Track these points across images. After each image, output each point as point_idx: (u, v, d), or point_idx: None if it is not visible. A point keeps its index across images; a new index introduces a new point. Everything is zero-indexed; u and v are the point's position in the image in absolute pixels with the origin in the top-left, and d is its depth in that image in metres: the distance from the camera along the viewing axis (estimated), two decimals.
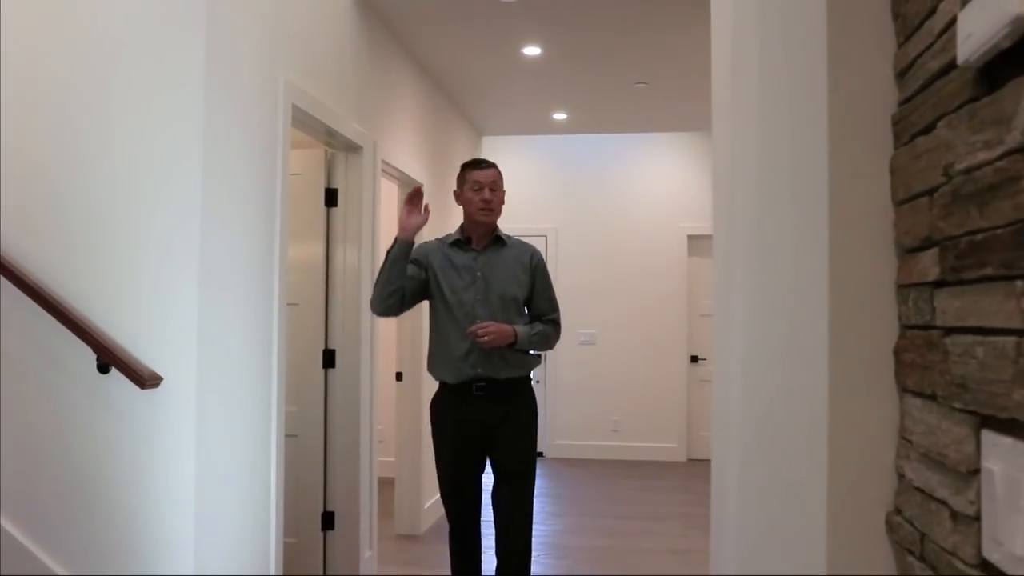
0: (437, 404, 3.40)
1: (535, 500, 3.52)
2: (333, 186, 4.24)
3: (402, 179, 5.15)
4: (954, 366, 0.92)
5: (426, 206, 3.25)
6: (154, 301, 2.76)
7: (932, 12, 0.99)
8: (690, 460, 7.76)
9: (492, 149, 7.80)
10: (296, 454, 4.00)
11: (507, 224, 3.51)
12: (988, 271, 0.82)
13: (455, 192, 3.43)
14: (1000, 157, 0.79)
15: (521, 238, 3.52)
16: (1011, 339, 0.78)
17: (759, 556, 1.79)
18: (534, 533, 5.39)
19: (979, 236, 0.84)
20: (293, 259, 3.80)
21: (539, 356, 3.47)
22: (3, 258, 2.79)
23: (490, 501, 3.40)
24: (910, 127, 1.07)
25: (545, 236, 7.94)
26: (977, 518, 0.86)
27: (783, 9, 1.50)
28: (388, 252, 3.24)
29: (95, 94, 2.82)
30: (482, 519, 3.46)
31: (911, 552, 1.05)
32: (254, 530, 3.17)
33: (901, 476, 1.11)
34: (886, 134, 1.16)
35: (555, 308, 3.45)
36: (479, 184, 3.30)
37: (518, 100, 6.43)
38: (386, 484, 5.28)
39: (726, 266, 2.21)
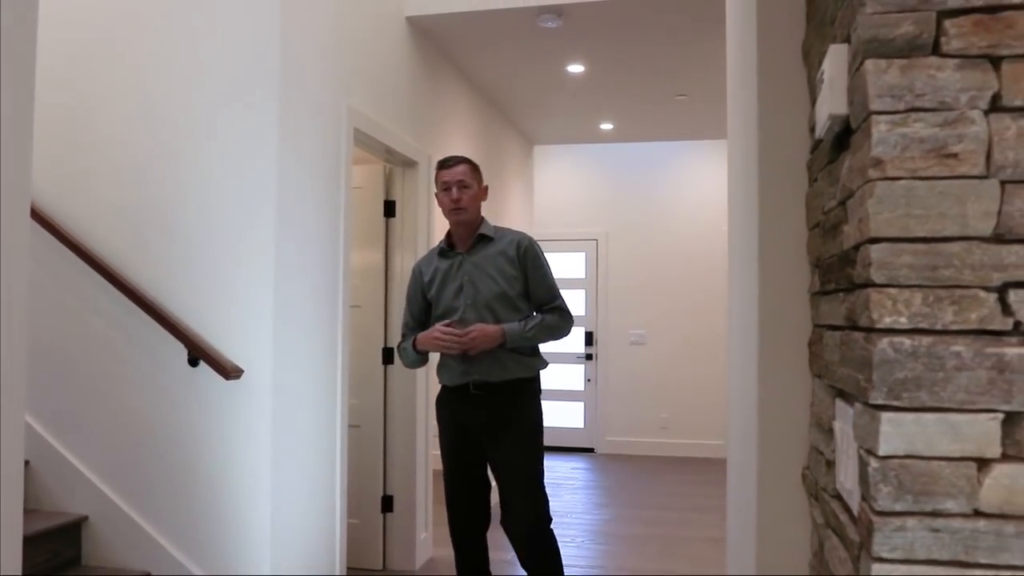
0: (438, 404, 3.32)
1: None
2: (391, 198, 4.62)
3: None
4: (825, 353, 1.25)
5: (450, 328, 3.06)
6: (236, 303, 3.15)
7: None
8: None
9: (544, 158, 8.17)
10: (358, 442, 4.38)
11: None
12: (832, 285, 1.16)
13: (436, 194, 3.27)
14: (836, 207, 1.13)
15: (527, 235, 3.30)
16: (839, 333, 1.11)
17: (741, 528, 2.11)
18: (580, 521, 5.76)
19: (830, 260, 1.18)
20: (355, 265, 4.20)
21: (541, 358, 3.23)
22: (114, 270, 3.22)
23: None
24: (812, 173, 1.40)
25: (596, 240, 8.26)
26: (833, 462, 1.20)
27: (743, 58, 1.83)
28: (405, 346, 3.23)
29: (192, 127, 3.22)
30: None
31: (812, 495, 1.38)
32: (322, 510, 3.52)
33: (810, 440, 1.44)
34: (804, 174, 1.49)
35: (555, 295, 3.18)
36: (446, 184, 3.15)
37: (566, 112, 6.76)
38: (440, 476, 5.63)
39: (728, 274, 2.54)
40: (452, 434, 3.23)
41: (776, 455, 1.49)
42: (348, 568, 3.75)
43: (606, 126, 7.34)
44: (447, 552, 4.93)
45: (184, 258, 3.22)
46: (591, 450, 8.18)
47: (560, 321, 3.16)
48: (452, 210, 3.14)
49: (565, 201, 8.32)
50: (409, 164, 4.59)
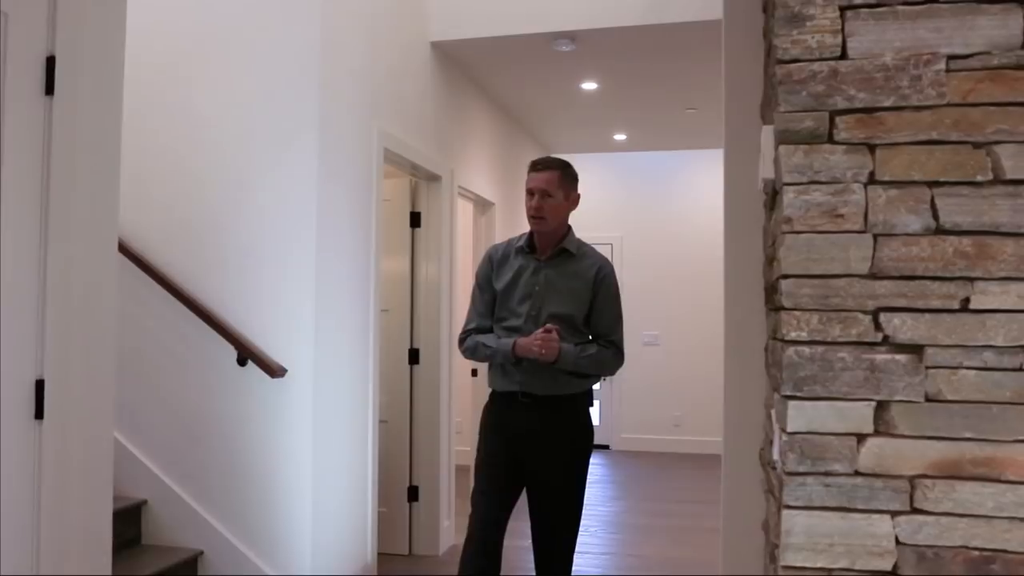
0: (484, 410, 3.09)
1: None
2: (417, 210, 4.92)
3: (477, 200, 5.87)
4: (770, 357, 1.59)
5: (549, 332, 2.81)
6: (281, 308, 3.43)
7: None
8: None
9: None
10: (387, 436, 4.66)
11: (575, 232, 3.07)
12: (771, 305, 1.50)
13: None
14: (771, 245, 1.47)
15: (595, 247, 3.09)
16: (772, 341, 1.46)
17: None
18: (595, 512, 6.07)
19: (769, 285, 1.52)
20: (384, 272, 4.50)
21: (593, 376, 2.99)
22: (171, 279, 3.52)
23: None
24: (766, 211, 1.74)
25: (611, 244, 8.52)
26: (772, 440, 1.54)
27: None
28: (493, 347, 2.93)
29: (241, 148, 3.52)
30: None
31: (764, 471, 1.72)
32: (356, 498, 3.79)
33: (764, 427, 1.78)
34: (763, 210, 1.83)
35: (615, 329, 2.95)
36: (529, 190, 2.94)
37: (581, 125, 7.09)
38: (463, 470, 5.93)
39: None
40: (492, 439, 2.99)
41: (739, 440, 1.83)
42: (377, 552, 4.03)
43: (619, 137, 7.65)
44: None
45: (234, 268, 3.48)
46: (606, 447, 8.45)
47: (612, 359, 2.95)
48: (531, 218, 2.95)
49: (581, 207, 8.47)
50: (433, 178, 4.90)
